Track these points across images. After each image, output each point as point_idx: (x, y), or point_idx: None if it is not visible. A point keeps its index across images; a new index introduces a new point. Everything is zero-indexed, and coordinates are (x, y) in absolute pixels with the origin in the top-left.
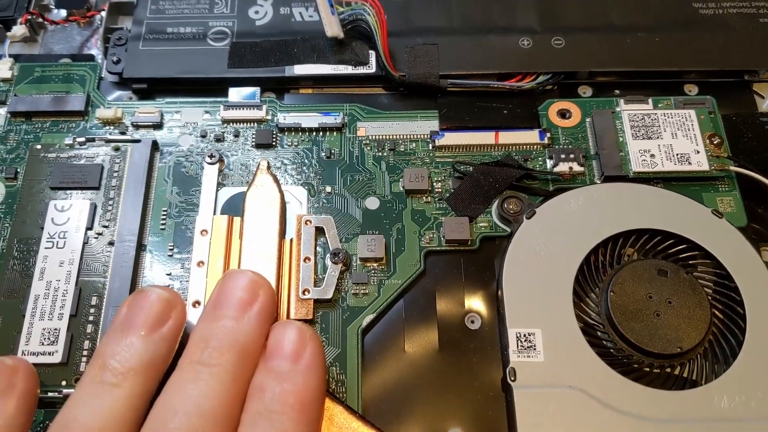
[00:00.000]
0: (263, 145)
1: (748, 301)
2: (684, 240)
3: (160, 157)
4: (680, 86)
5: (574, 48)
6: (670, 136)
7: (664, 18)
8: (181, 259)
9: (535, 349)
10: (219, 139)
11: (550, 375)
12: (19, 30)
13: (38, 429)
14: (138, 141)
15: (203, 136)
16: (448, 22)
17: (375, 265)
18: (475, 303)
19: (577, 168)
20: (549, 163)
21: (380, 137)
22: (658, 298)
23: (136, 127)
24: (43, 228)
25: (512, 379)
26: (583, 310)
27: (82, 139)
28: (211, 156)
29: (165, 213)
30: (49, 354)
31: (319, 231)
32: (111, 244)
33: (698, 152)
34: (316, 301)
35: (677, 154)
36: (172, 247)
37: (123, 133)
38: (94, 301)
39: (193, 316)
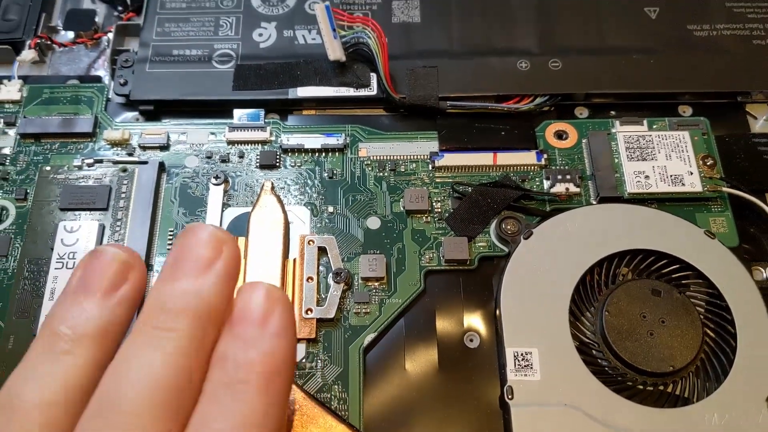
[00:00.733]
0: (267, 166)
1: (739, 320)
2: (677, 260)
3: (166, 178)
4: (675, 107)
5: (571, 70)
6: (665, 157)
7: (659, 40)
8: None
9: (531, 367)
10: (224, 160)
11: (546, 393)
12: (28, 55)
13: None
14: (145, 162)
15: (209, 157)
16: (448, 44)
17: (376, 284)
18: (474, 322)
19: (573, 189)
20: (546, 184)
21: (381, 158)
22: (652, 318)
23: (143, 148)
24: (53, 249)
25: (510, 397)
26: (579, 329)
27: (91, 161)
28: (216, 177)
29: (172, 233)
30: None
31: (322, 251)
32: None
33: (692, 173)
34: (319, 321)
35: (671, 176)
36: None
37: (130, 155)
38: None
39: None
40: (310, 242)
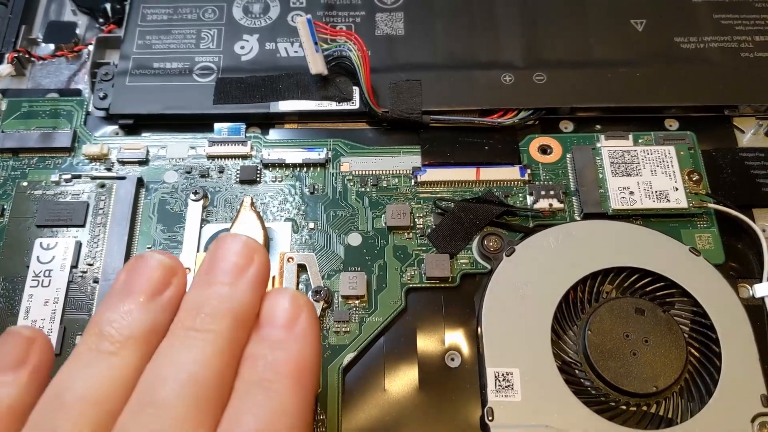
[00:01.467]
0: (248, 181)
1: (724, 339)
2: (661, 278)
3: (145, 194)
4: (661, 121)
5: (556, 83)
6: (650, 172)
7: (646, 53)
8: None
9: (512, 388)
10: (204, 175)
11: (527, 415)
12: (5, 69)
13: None
14: (123, 178)
15: (188, 172)
16: (431, 57)
17: (357, 302)
18: (456, 340)
19: (557, 205)
20: (529, 200)
21: (363, 173)
22: (635, 337)
23: (122, 163)
24: (28, 266)
25: (490, 419)
26: (561, 348)
27: (68, 176)
28: (195, 192)
29: (149, 250)
30: None
31: (302, 268)
32: (96, 281)
33: (677, 189)
34: None
35: (656, 192)
36: None
37: (109, 170)
38: (78, 339)
39: None
40: (290, 259)
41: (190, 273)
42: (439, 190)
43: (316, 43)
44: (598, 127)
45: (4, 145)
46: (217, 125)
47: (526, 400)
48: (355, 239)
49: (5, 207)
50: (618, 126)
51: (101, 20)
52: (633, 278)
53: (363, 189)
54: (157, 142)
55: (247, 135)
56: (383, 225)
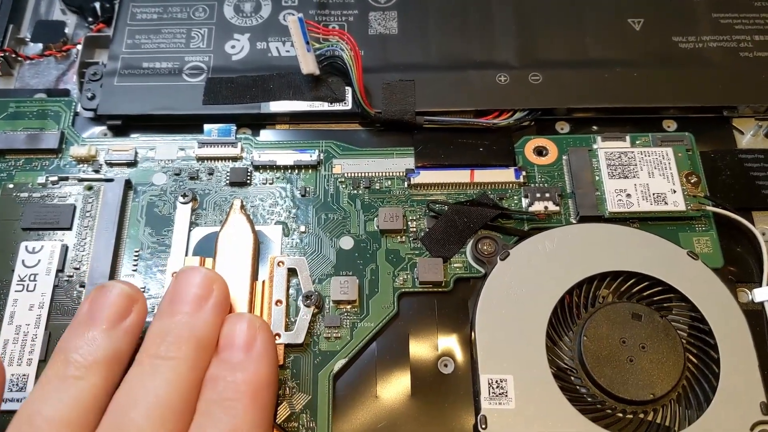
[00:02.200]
0: (237, 183)
1: (722, 345)
2: (659, 282)
3: (133, 196)
4: (659, 122)
5: (552, 84)
6: (647, 174)
7: (643, 53)
8: (153, 302)
9: (506, 396)
10: (193, 177)
11: (521, 423)
12: None
13: None
14: (111, 180)
15: (177, 174)
16: (426, 58)
17: (348, 307)
18: (449, 346)
19: (552, 207)
20: (524, 202)
21: (356, 175)
22: (632, 343)
23: (110, 164)
24: (13, 270)
25: (483, 426)
26: (557, 355)
27: (55, 179)
28: (184, 195)
29: (137, 254)
30: (17, 401)
31: (292, 272)
32: (82, 286)
33: (675, 192)
34: (287, 346)
35: (654, 194)
36: (143, 289)
37: (96, 171)
38: None
39: None
40: (280, 263)
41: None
42: (432, 192)
43: (307, 43)
44: (595, 128)
45: None
46: (207, 126)
47: (520, 408)
48: (347, 243)
49: None
50: (615, 127)
51: (90, 19)
52: (630, 282)
53: (355, 191)
54: (146, 143)
55: (238, 136)
56: (376, 228)
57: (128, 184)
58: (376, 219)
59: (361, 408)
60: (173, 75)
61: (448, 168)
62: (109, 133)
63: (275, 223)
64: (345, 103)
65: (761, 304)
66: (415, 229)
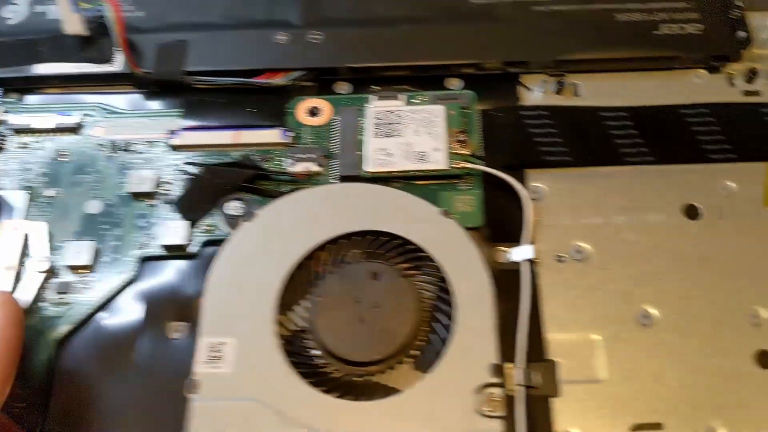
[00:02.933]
0: None
1: (461, 305)
2: (408, 242)
3: None
4: (446, 80)
5: (333, 43)
6: (413, 133)
7: (433, 9)
8: None
9: (223, 359)
10: None
11: (236, 387)
12: None
13: None
14: None
15: None
16: (204, 17)
17: (83, 272)
18: (186, 312)
19: (314, 168)
20: (287, 164)
21: (117, 137)
22: (366, 303)
23: None
24: None
25: (193, 390)
26: (290, 318)
27: None
28: None
29: None
30: None
31: (31, 237)
32: None
33: (438, 150)
34: None
35: (417, 152)
36: None
37: None
38: None
39: None
40: (16, 228)
41: None
42: (194, 154)
43: (74, 3)
44: (377, 88)
45: None
46: None
47: (236, 373)
48: (94, 207)
49: None
50: (398, 87)
51: None
52: (379, 242)
53: (113, 154)
54: None
55: (4, 100)
56: (127, 192)
57: None
58: (127, 182)
59: (86, 376)
60: None
61: (215, 129)
62: None
63: (23, 188)
64: (114, 65)
65: (518, 263)
66: (167, 192)
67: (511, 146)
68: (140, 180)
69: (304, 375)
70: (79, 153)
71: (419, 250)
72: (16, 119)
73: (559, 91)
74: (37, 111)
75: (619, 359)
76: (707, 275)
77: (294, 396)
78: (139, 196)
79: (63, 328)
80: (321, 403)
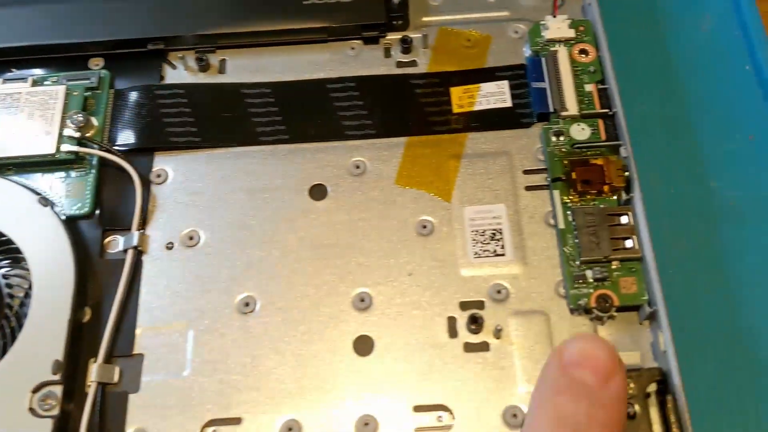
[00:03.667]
0: None
1: (35, 300)
2: None
3: None
4: (89, 60)
5: None
6: (27, 117)
7: None
8: None
9: None
10: None
11: None
12: None
13: None
14: None
15: None
16: None
17: None
18: None
19: None
20: None
21: None
22: None
23: None
24: None
25: None
26: None
27: None
28: None
29: None
30: None
31: None
32: None
33: (49, 134)
34: None
35: (27, 137)
36: None
37: None
38: None
39: None
40: None
41: None
42: None
43: None
44: (14, 70)
45: None
46: None
47: None
48: None
49: None
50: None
51: None
52: None
53: None
54: None
55: None
56: None
57: None
58: None
59: None
60: None
61: None
62: None
63: None
64: None
65: (125, 251)
66: None
67: (140, 128)
68: None
69: None
70: None
71: (9, 241)
72: None
73: (204, 69)
74: None
75: (209, 351)
76: (323, 259)
77: None
78: None
79: None
80: None
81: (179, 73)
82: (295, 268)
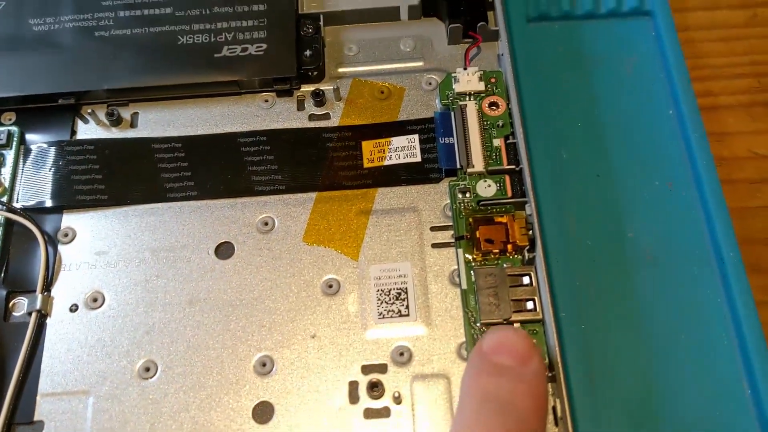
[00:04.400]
0: None
1: None
2: None
3: None
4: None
5: None
6: None
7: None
8: None
9: None
10: None
11: None
12: None
13: None
14: None
15: None
16: None
17: None
18: None
19: None
20: None
21: None
22: None
23: None
24: None
25: None
26: None
27: None
28: None
29: None
30: None
31: None
32: None
33: None
34: None
35: None
36: None
37: None
38: None
39: None
40: None
41: None
42: None
43: None
44: None
45: None
46: None
47: None
48: None
49: None
50: None
51: None
52: None
53: None
54: None
55: None
56: None
57: None
58: None
59: None
60: None
61: None
62: None
63: None
64: None
65: (30, 313)
66: None
67: (49, 185)
68: None
69: None
70: None
71: None
72: None
73: (116, 123)
74: None
75: (108, 419)
76: (227, 321)
77: None
78: None
79: None
80: None
81: (91, 127)
82: (198, 332)
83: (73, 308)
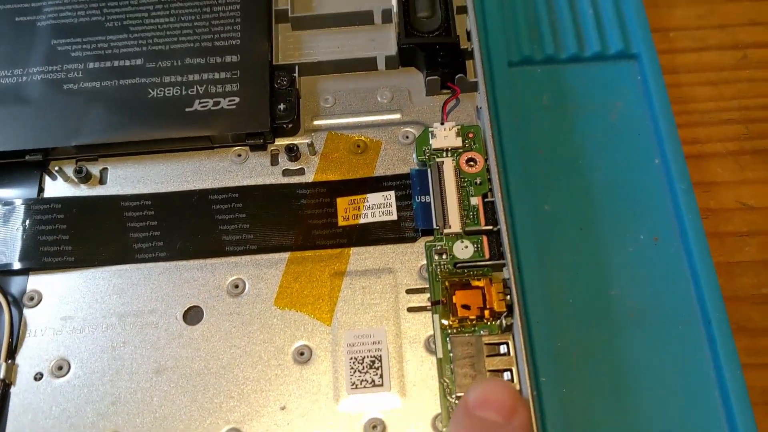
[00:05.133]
0: None
1: None
2: None
3: None
4: None
5: None
6: None
7: None
8: None
9: None
10: None
11: None
12: None
13: None
14: None
15: None
16: None
17: None
18: None
19: None
20: None
21: None
22: None
23: None
24: None
25: None
26: None
27: None
28: None
29: None
30: None
31: None
32: None
33: None
34: None
35: None
36: None
37: None
38: None
39: None
40: None
41: None
42: None
43: None
44: None
45: None
46: None
47: None
48: None
49: None
50: None
51: None
52: None
53: None
54: None
55: None
56: None
57: None
58: None
59: None
60: None
61: None
62: None
63: None
64: None
65: None
66: None
67: (14, 246)
68: None
69: None
70: None
71: None
72: None
73: (84, 180)
74: None
75: None
76: (194, 391)
77: None
78: None
79: None
80: None
81: (59, 184)
82: (164, 402)
83: (38, 377)
